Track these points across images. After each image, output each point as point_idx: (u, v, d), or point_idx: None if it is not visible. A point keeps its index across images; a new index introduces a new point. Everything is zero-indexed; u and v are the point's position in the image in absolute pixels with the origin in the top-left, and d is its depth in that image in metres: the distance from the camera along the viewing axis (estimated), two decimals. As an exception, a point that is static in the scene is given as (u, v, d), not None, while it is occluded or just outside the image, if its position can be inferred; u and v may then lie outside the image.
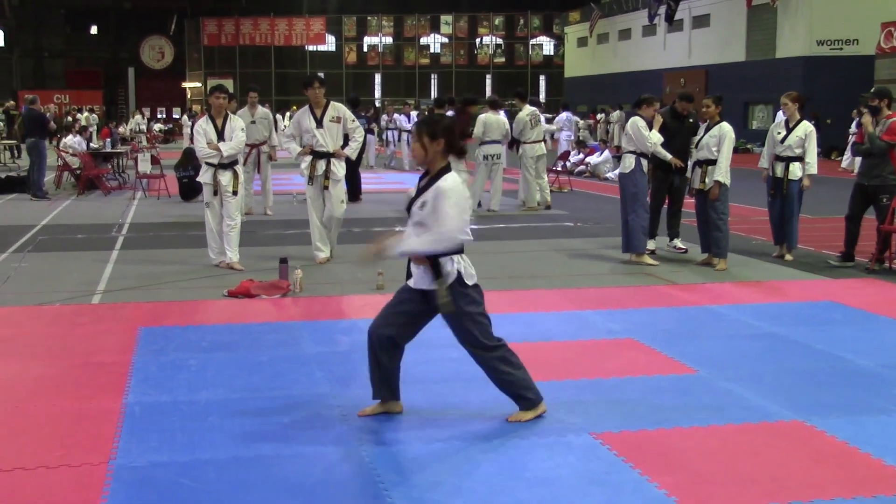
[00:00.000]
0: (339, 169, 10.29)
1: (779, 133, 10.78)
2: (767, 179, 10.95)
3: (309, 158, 10.22)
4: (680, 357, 6.60)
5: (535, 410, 5.27)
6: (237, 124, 10.11)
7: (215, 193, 10.06)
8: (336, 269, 10.08)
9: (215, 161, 9.94)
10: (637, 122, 10.39)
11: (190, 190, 16.94)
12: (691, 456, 4.74)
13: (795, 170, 10.67)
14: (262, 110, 15.21)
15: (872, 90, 10.57)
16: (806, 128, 10.67)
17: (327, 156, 10.22)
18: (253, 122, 14.86)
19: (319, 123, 10.17)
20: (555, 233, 13.25)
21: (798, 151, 10.65)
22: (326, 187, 10.23)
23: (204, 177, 10.06)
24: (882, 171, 10.21)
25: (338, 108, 10.33)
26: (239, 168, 10.20)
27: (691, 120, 11.11)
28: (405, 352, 5.27)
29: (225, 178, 10.00)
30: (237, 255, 10.11)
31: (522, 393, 5.26)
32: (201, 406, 5.45)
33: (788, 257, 10.77)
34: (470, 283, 5.05)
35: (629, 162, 10.43)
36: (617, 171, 22.51)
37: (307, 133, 10.24)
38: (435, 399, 5.62)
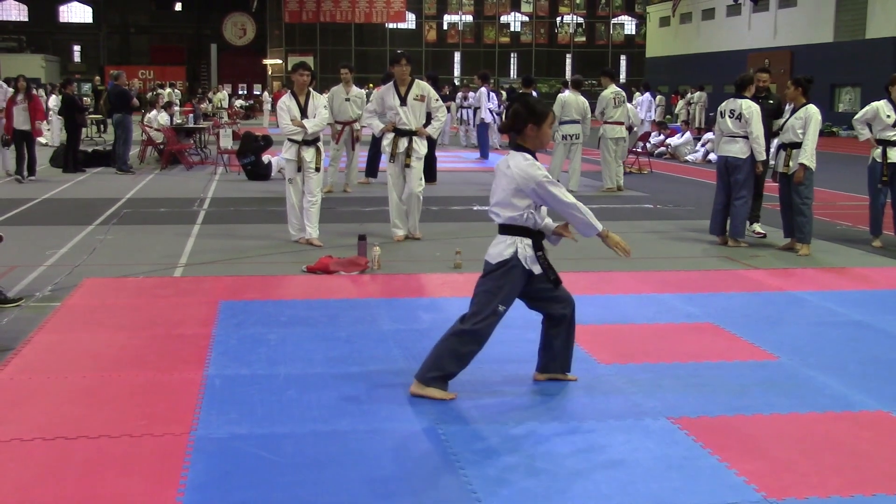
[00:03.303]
0: (421, 147, 10.32)
1: (888, 116, 10.33)
2: (878, 165, 10.44)
3: (391, 136, 10.26)
4: (761, 343, 6.50)
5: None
6: (320, 101, 10.17)
7: (299, 170, 10.13)
8: (414, 247, 10.11)
9: (299, 137, 10.00)
10: (758, 110, 10.10)
11: (254, 175, 17.12)
12: (771, 443, 4.66)
13: None
14: (357, 89, 15.33)
15: None
16: None
17: (409, 133, 10.24)
18: (347, 100, 14.98)
19: (403, 101, 10.19)
20: (634, 214, 13.13)
21: None
22: (409, 165, 10.24)
23: (288, 153, 10.12)
24: None
25: (422, 87, 10.35)
26: (321, 144, 10.27)
27: (771, 101, 10.82)
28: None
29: (308, 154, 10.05)
30: (317, 231, 10.19)
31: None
32: (280, 380, 5.53)
33: (876, 243, 10.47)
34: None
35: (747, 147, 10.15)
36: (696, 154, 22.41)
37: (391, 110, 10.28)
38: (512, 379, 5.62)
